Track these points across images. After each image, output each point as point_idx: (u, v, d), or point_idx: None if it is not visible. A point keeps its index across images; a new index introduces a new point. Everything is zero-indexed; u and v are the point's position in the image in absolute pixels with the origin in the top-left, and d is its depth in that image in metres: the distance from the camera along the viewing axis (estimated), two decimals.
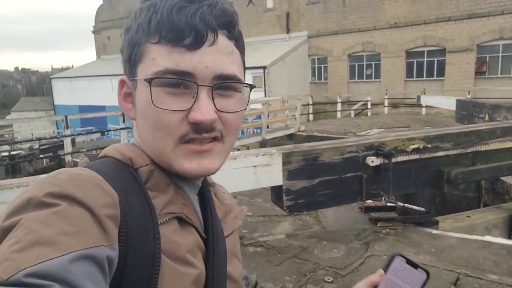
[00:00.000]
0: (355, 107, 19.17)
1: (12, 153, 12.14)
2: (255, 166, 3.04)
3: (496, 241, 3.63)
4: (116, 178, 0.54)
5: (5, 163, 9.72)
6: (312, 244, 3.53)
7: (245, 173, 2.97)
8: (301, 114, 11.68)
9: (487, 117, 7.40)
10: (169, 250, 0.54)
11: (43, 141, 13.24)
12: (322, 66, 24.22)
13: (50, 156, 12.22)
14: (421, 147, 3.81)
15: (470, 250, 3.38)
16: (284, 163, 3.22)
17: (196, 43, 0.54)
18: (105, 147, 0.64)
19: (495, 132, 4.23)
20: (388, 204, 4.28)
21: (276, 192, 3.37)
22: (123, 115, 9.24)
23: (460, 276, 2.91)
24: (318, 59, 24.30)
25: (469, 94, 15.22)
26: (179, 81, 0.55)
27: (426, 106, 15.04)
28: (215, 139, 0.58)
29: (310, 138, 9.31)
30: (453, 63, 19.39)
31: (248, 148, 8.11)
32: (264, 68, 20.90)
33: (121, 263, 0.49)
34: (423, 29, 19.99)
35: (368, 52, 22.21)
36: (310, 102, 16.89)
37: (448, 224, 4.17)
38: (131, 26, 0.60)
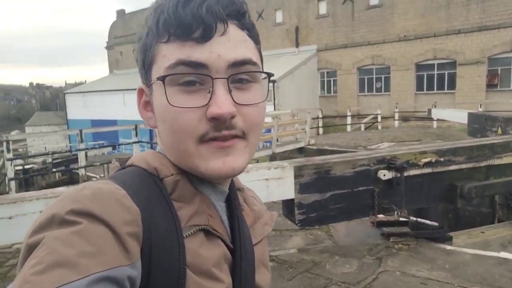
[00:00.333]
0: (365, 120, 19.11)
1: (26, 167, 12.36)
2: (267, 179, 3.05)
3: None
4: (140, 190, 0.53)
5: (19, 177, 9.88)
6: (324, 259, 3.50)
7: (257, 186, 2.98)
8: (310, 128, 11.68)
9: (500, 131, 7.30)
10: (195, 265, 0.52)
11: (56, 155, 13.46)
12: (332, 79, 24.30)
13: (63, 170, 12.41)
14: (434, 160, 3.78)
15: (486, 266, 3.32)
16: (296, 176, 3.22)
17: (206, 35, 0.53)
18: None
19: (508, 146, 4.18)
20: (401, 218, 4.24)
21: (288, 206, 3.37)
22: (135, 129, 9.37)
23: None
24: (328, 72, 24.41)
25: (481, 107, 15.07)
26: (193, 76, 0.53)
27: (437, 120, 14.91)
28: (236, 137, 0.55)
29: (320, 152, 9.29)
30: (464, 76, 19.27)
31: (257, 162, 8.13)
32: (273, 81, 21.05)
33: (145, 280, 0.48)
34: (433, 42, 19.99)
35: (377, 65, 22.25)
36: (320, 116, 16.89)
37: (462, 240, 4.09)
38: (142, 33, 0.59)
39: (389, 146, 10.20)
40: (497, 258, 3.47)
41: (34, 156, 13.82)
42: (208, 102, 0.53)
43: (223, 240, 0.58)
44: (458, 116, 10.61)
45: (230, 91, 0.54)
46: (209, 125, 0.53)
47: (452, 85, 19.87)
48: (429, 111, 14.12)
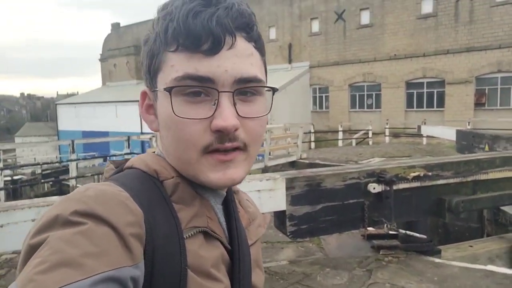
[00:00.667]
0: (356, 136, 19.32)
1: (14, 177, 12.19)
2: (259, 190, 3.09)
3: (499, 270, 3.62)
4: (141, 192, 0.54)
5: (7, 187, 9.75)
6: (315, 271, 3.52)
7: None
8: (302, 142, 11.79)
9: (487, 148, 7.48)
10: (195, 265, 0.53)
11: (45, 166, 13.30)
12: (324, 95, 24.64)
13: (52, 180, 12.27)
14: (422, 175, 3.87)
15: (473, 279, 3.37)
16: (287, 188, 3.27)
17: (214, 48, 0.53)
18: None
19: (494, 162, 4.29)
20: (390, 232, 4.30)
21: (280, 217, 3.40)
22: (128, 140, 9.37)
23: None
24: (320, 88, 24.77)
25: (469, 124, 15.37)
26: (199, 89, 0.54)
27: (427, 136, 15.16)
28: (238, 149, 0.56)
29: (312, 166, 9.37)
30: (452, 95, 19.71)
31: (250, 174, 8.16)
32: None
33: (147, 280, 0.49)
34: (422, 61, 20.49)
35: (368, 83, 22.66)
36: (312, 130, 17.05)
37: (451, 253, 4.15)
38: (149, 37, 0.59)
39: (380, 161, 10.33)
40: (484, 271, 3.53)
41: (23, 166, 13.65)
42: (213, 114, 0.54)
43: (221, 242, 0.60)
44: (447, 133, 10.83)
45: (234, 104, 0.55)
46: (213, 137, 0.54)
47: (441, 103, 20.29)
48: (419, 127, 14.38)
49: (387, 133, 18.47)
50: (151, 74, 0.59)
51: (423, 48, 20.35)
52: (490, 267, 3.68)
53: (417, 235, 4.02)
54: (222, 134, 0.54)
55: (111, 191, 0.50)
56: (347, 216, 3.58)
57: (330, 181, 3.52)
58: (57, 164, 14.06)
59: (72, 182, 8.52)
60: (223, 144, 0.55)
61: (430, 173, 3.94)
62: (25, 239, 0.46)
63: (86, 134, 26.58)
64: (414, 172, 3.87)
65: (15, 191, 10.56)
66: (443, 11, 19.74)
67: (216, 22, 0.53)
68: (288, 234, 3.32)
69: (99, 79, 39.90)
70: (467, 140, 8.51)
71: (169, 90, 0.54)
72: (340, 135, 18.40)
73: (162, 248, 0.51)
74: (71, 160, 8.51)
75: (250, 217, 0.69)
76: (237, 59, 0.55)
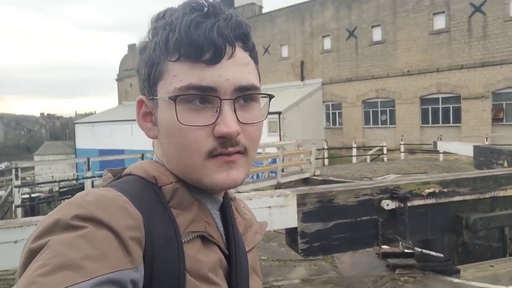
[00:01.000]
0: (371, 152, 19.10)
1: (32, 195, 12.44)
2: (269, 207, 3.06)
3: None
4: (140, 197, 0.55)
5: (25, 204, 9.93)
6: None
7: (259, 213, 2.99)
8: (316, 159, 11.71)
9: (506, 164, 7.28)
10: (193, 270, 0.54)
11: (62, 184, 13.54)
12: (337, 111, 24.57)
13: (68, 198, 12.42)
14: (437, 191, 3.77)
15: None
16: (298, 205, 3.23)
17: (216, 58, 0.55)
18: None
19: None
20: (406, 250, 4.18)
21: (291, 235, 3.35)
22: (142, 157, 9.49)
23: None
24: (333, 105, 24.73)
25: (487, 140, 15.05)
26: (203, 97, 0.56)
27: (444, 152, 14.87)
28: (239, 152, 0.58)
29: (326, 183, 9.26)
30: (468, 110, 19.39)
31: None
32: (279, 113, 21.34)
33: (147, 284, 0.50)
34: (436, 76, 20.30)
35: (382, 99, 22.53)
36: (325, 147, 16.95)
37: (470, 273, 4.00)
38: (146, 46, 0.61)
39: (395, 177, 10.15)
40: None
41: (40, 184, 13.92)
42: (216, 120, 0.56)
43: (219, 247, 0.61)
44: (464, 149, 10.60)
45: (235, 111, 0.57)
46: (216, 142, 0.56)
47: (457, 118, 19.96)
48: (435, 143, 14.13)
49: (402, 149, 18.21)
50: (150, 82, 0.60)
51: (437, 63, 20.21)
52: None
53: (434, 253, 3.89)
54: (225, 140, 0.56)
55: (110, 196, 0.51)
56: (360, 233, 3.51)
57: (343, 198, 3.46)
58: (74, 182, 14.30)
59: None
60: (226, 149, 0.57)
61: (445, 190, 3.85)
62: (25, 244, 0.47)
63: (103, 152, 27.02)
64: (429, 188, 3.78)
65: (32, 208, 10.75)
66: (456, 26, 19.66)
67: (217, 32, 0.55)
68: (299, 251, 3.26)
69: (116, 98, 40.90)
70: (485, 156, 8.31)
71: (174, 99, 0.55)
72: (354, 151, 18.24)
73: (161, 252, 0.52)
74: (87, 178, 8.65)
75: (247, 223, 0.70)
76: (236, 68, 0.57)
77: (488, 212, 3.93)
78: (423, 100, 21.07)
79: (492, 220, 3.91)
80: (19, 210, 7.30)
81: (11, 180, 8.30)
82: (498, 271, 4.13)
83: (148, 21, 0.62)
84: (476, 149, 9.02)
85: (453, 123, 20.14)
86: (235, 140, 0.57)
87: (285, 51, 26.93)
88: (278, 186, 9.27)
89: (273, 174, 9.67)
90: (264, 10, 33.19)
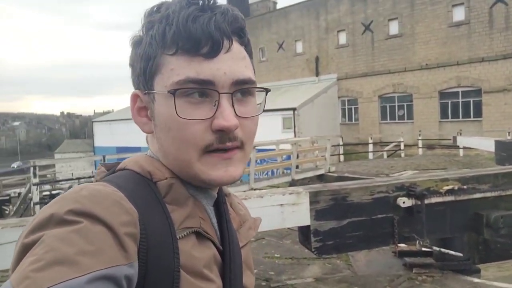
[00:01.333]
0: (388, 148, 18.77)
1: (53, 192, 12.73)
2: (281, 205, 3.01)
3: None
4: (135, 193, 0.54)
5: (44, 201, 10.16)
6: None
7: (271, 212, 2.95)
8: (331, 155, 11.58)
9: None
10: (188, 266, 0.54)
11: (82, 181, 13.82)
12: (353, 107, 24.25)
13: None
14: (456, 188, 3.64)
15: None
16: (311, 203, 3.16)
17: (213, 51, 0.55)
18: None
19: None
20: (424, 248, 4.06)
21: (304, 233, 3.29)
22: None
23: None
24: (348, 100, 24.41)
25: (509, 135, 14.56)
26: (201, 90, 0.56)
27: (464, 148, 14.46)
28: (236, 147, 0.58)
29: (341, 179, 9.14)
30: (490, 104, 18.82)
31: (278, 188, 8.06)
32: (294, 109, 21.20)
33: (141, 280, 0.49)
34: (456, 70, 19.76)
35: (399, 93, 22.09)
36: (341, 143, 16.74)
37: (492, 272, 3.87)
38: (141, 40, 0.60)
39: (413, 174, 9.93)
40: None
41: (61, 181, 14.25)
42: (214, 114, 0.56)
43: (213, 243, 0.60)
44: (485, 144, 10.28)
45: (233, 105, 0.57)
46: (214, 136, 0.56)
47: (478, 112, 19.40)
48: (454, 139, 13.75)
49: (420, 145, 17.83)
50: (146, 77, 0.59)
51: (457, 56, 19.65)
52: None
53: (453, 253, 3.76)
54: (223, 134, 0.56)
55: (105, 190, 0.51)
56: (375, 231, 3.42)
57: (357, 195, 3.38)
58: (92, 179, 14.52)
59: None
60: (224, 143, 0.57)
61: (465, 187, 3.71)
62: (19, 239, 0.46)
63: (120, 149, 27.42)
64: (447, 185, 3.66)
65: None
66: (476, 18, 19.06)
67: (215, 26, 0.55)
68: (313, 250, 3.20)
69: None
70: (507, 151, 8.02)
71: (173, 92, 0.55)
72: (371, 147, 17.94)
73: (156, 248, 0.51)
74: None
75: (241, 219, 0.70)
76: (233, 62, 0.57)
77: (510, 210, 3.78)
78: (442, 94, 20.55)
79: None
80: (37, 207, 7.47)
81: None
82: None
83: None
84: (498, 144, 8.73)
85: (473, 117, 19.58)
86: (233, 134, 0.57)
87: (299, 47, 26.69)
88: (292, 183, 9.20)
89: (288, 171, 9.60)
90: (278, 6, 33.00)
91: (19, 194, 11.81)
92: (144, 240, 0.50)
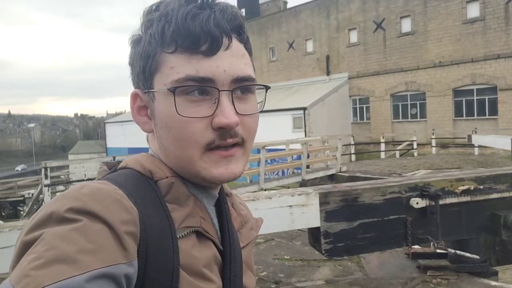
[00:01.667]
0: (400, 147, 18.50)
1: None
2: (290, 206, 2.95)
3: None
4: (136, 191, 0.54)
5: None
6: None
7: (280, 213, 2.89)
8: (342, 155, 11.44)
9: None
10: (188, 265, 0.54)
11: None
12: (364, 106, 23.98)
13: None
14: (472, 188, 3.52)
15: None
16: (321, 204, 3.10)
17: (213, 49, 0.55)
18: None
19: None
20: (438, 250, 3.94)
21: (314, 235, 3.22)
22: None
23: None
24: (360, 99, 24.15)
25: None
26: (202, 88, 0.55)
27: (479, 146, 14.15)
28: (237, 144, 0.58)
29: (352, 179, 9.02)
30: (506, 101, 18.38)
31: (288, 188, 8.00)
32: (304, 109, 21.07)
33: (140, 279, 0.49)
34: (471, 67, 19.36)
35: (412, 92, 21.76)
36: (352, 142, 16.56)
37: (509, 275, 3.73)
38: (140, 38, 0.60)
39: (426, 173, 9.73)
40: None
41: (72, 182, 14.44)
42: (214, 112, 0.55)
43: (214, 242, 0.60)
44: (501, 142, 10.04)
45: (233, 102, 0.57)
46: (215, 134, 0.56)
47: (494, 110, 18.96)
48: (469, 137, 13.45)
49: (433, 144, 17.51)
50: (146, 75, 0.59)
51: (471, 53, 19.25)
52: None
53: (469, 255, 3.64)
54: (224, 131, 0.56)
55: (106, 189, 0.51)
56: (388, 233, 3.33)
57: (368, 196, 3.29)
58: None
59: None
60: (225, 140, 0.57)
61: (481, 187, 3.59)
62: (19, 236, 0.46)
63: (132, 150, 27.74)
64: (463, 185, 3.54)
65: None
66: (491, 14, 18.64)
67: (214, 24, 0.55)
68: (323, 252, 3.13)
69: None
70: None
71: (173, 90, 0.55)
72: (383, 146, 17.71)
73: (155, 247, 0.51)
74: None
75: (242, 220, 0.70)
76: (233, 59, 0.57)
77: None
78: (456, 92, 20.15)
79: None
80: None
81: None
82: None
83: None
84: None
85: (488, 115, 19.16)
86: (234, 131, 0.57)
87: (310, 46, 26.52)
88: (303, 183, 9.12)
89: (298, 171, 9.52)
90: (288, 5, 32.88)
91: (33, 195, 12.01)
92: (144, 239, 0.50)
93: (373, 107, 23.30)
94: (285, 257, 4.24)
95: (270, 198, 2.89)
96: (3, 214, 12.85)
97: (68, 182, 14.95)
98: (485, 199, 3.58)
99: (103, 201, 0.48)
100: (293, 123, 21.63)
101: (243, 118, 0.58)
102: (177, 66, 0.55)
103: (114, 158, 8.67)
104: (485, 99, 19.30)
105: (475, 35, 19.19)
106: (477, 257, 3.60)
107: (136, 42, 0.60)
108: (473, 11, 19.24)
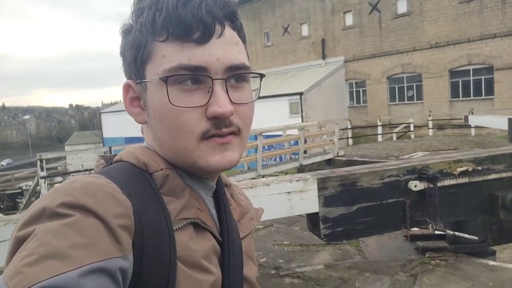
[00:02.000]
0: (397, 130, 18.51)
1: None
2: (289, 192, 2.93)
3: None
4: (130, 184, 0.53)
5: None
6: (353, 275, 3.31)
7: (278, 199, 2.88)
8: (340, 139, 11.43)
9: None
10: (185, 257, 0.53)
11: (92, 172, 13.92)
12: (360, 89, 23.87)
13: None
14: (470, 169, 3.52)
15: None
16: (319, 189, 3.08)
17: (205, 37, 0.54)
18: None
19: None
20: (437, 232, 3.96)
21: (312, 220, 3.22)
22: None
23: None
24: (356, 83, 24.02)
25: None
26: (195, 77, 0.54)
27: (475, 127, 14.17)
28: (233, 133, 0.57)
29: (350, 163, 9.02)
30: (502, 81, 18.33)
31: (286, 174, 8.00)
32: (300, 94, 20.96)
33: (137, 272, 0.48)
34: (467, 47, 19.23)
35: (408, 74, 21.65)
36: (349, 126, 16.55)
37: (507, 254, 3.77)
38: (131, 28, 0.58)
39: (423, 155, 9.75)
40: None
41: (69, 173, 14.41)
42: (208, 101, 0.54)
43: (212, 233, 0.59)
44: (498, 123, 10.05)
45: (227, 91, 0.55)
46: (210, 123, 0.55)
47: (490, 90, 18.92)
48: (466, 118, 13.46)
49: (430, 126, 17.54)
50: (137, 65, 0.57)
51: (467, 33, 19.09)
52: None
53: (467, 236, 3.66)
54: (219, 121, 0.55)
55: (98, 182, 0.50)
56: (386, 216, 3.33)
57: (366, 180, 3.28)
58: None
59: None
60: (220, 129, 0.55)
61: (479, 168, 3.59)
62: (12, 232, 0.45)
63: (128, 140, 27.61)
64: (461, 167, 3.53)
65: None
66: None
67: (206, 11, 0.53)
68: (322, 237, 3.13)
69: None
70: None
71: (165, 79, 0.53)
72: (379, 129, 17.71)
73: (151, 240, 0.50)
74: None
75: (242, 210, 0.69)
76: (226, 47, 0.56)
77: None
78: (453, 73, 20.06)
79: None
80: None
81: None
82: None
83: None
84: (511, 122, 8.51)
85: (485, 95, 19.13)
86: (229, 120, 0.56)
87: (305, 30, 26.19)
88: (300, 168, 9.13)
89: (296, 156, 9.51)
90: None
91: (30, 187, 12.01)
92: (139, 232, 0.49)
93: (370, 90, 23.20)
94: (285, 242, 4.26)
95: (268, 185, 2.87)
96: (1, 206, 12.85)
97: (65, 173, 14.91)
98: (483, 180, 3.58)
99: (95, 195, 0.47)
100: (290, 108, 21.54)
101: (238, 107, 0.57)
102: (169, 55, 0.54)
103: (110, 148, 8.61)
104: (481, 79, 19.24)
105: (471, 14, 18.99)
106: (476, 237, 3.62)
107: (126, 31, 0.59)
108: None
